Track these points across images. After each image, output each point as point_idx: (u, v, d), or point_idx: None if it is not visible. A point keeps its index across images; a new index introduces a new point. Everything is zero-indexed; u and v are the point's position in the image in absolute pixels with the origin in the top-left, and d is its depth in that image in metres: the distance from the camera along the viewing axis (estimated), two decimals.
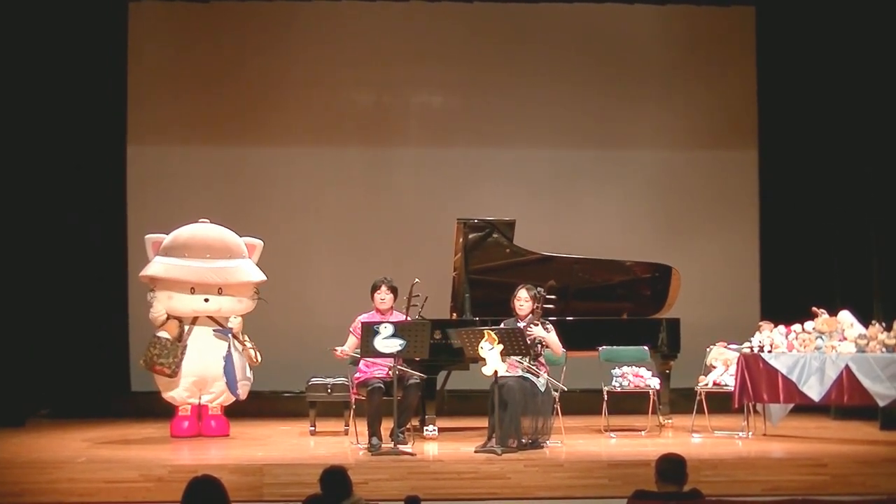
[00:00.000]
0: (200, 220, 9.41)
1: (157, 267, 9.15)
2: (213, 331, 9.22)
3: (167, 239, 9.25)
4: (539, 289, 8.53)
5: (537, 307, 8.48)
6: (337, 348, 8.64)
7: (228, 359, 9.19)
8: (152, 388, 9.40)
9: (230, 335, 9.25)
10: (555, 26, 12.07)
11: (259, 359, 9.39)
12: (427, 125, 12.23)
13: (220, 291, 9.19)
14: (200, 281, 9.12)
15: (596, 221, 12.01)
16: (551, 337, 8.49)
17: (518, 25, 12.07)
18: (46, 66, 11.04)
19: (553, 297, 8.64)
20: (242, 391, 9.30)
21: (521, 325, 8.46)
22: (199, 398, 9.23)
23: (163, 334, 9.14)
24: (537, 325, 8.44)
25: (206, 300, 9.15)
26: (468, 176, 12.03)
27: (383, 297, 8.73)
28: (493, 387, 8.13)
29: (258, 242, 9.50)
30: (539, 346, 8.42)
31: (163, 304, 9.17)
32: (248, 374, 9.36)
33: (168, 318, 9.20)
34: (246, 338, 9.40)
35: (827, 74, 11.28)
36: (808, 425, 9.64)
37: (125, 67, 11.61)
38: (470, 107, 12.20)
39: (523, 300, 8.53)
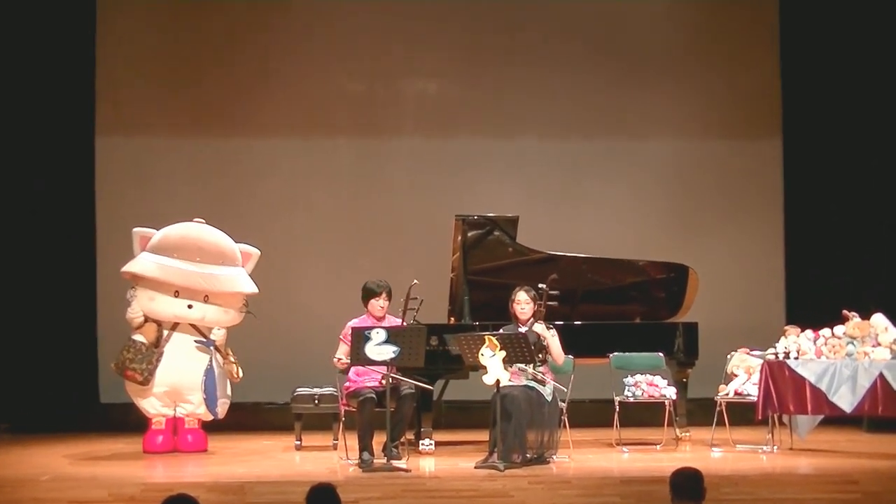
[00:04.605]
0: (195, 219, 9.35)
1: (142, 264, 9.09)
2: (195, 341, 9.18)
3: (157, 235, 9.19)
4: (541, 286, 8.47)
5: (541, 305, 8.43)
6: (341, 358, 8.57)
7: (209, 374, 9.15)
8: (124, 399, 9.35)
9: (213, 347, 9.20)
10: (559, 9, 12.06)
11: (240, 375, 9.37)
12: (423, 115, 12.20)
13: (206, 299, 9.13)
14: (187, 285, 9.06)
15: (606, 218, 12.00)
16: (553, 342, 8.42)
17: (520, 8, 12.05)
18: (4, 47, 10.99)
19: (556, 292, 8.58)
20: (221, 410, 9.26)
21: (523, 330, 8.40)
22: (175, 410, 9.16)
23: (138, 338, 9.10)
24: (541, 324, 8.38)
25: (190, 306, 9.10)
26: (467, 169, 12.01)
27: (383, 304, 8.71)
28: (494, 397, 8.08)
29: (254, 252, 9.43)
30: (544, 350, 8.37)
31: (142, 305, 9.12)
32: (228, 391, 9.32)
33: (146, 321, 9.16)
34: (229, 351, 9.37)
35: (857, 56, 11.26)
36: (838, 439, 9.61)
37: (93, 50, 11.57)
38: (469, 95, 12.18)
39: (523, 303, 8.48)
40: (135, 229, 9.26)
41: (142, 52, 11.81)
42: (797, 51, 11.90)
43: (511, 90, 12.07)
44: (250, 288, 9.29)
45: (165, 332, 9.17)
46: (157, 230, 9.24)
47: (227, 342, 9.42)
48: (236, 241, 9.43)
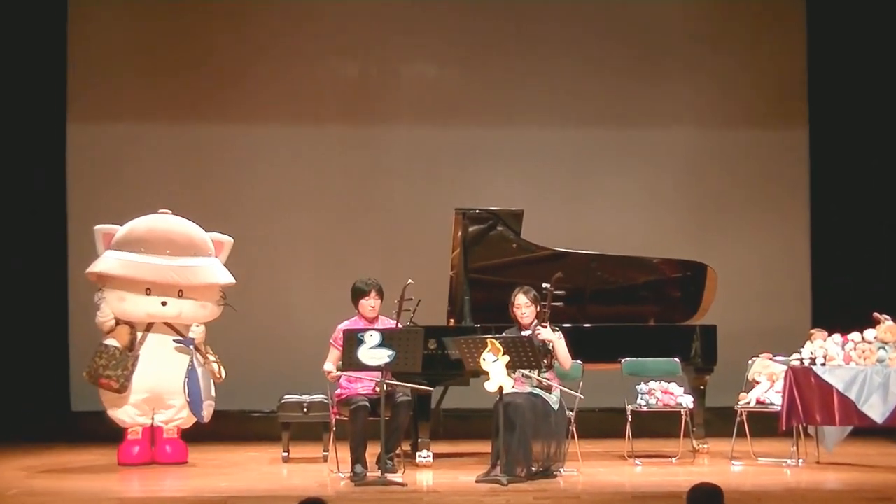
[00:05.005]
0: (160, 210, 9.35)
1: (108, 263, 9.05)
2: (174, 340, 9.16)
3: (121, 231, 9.17)
4: (545, 286, 8.43)
5: (545, 307, 8.39)
6: (332, 372, 8.52)
7: (192, 374, 9.11)
8: (97, 407, 9.30)
9: (192, 346, 9.18)
10: None
11: (223, 375, 9.34)
12: (421, 102, 12.19)
13: (180, 294, 9.12)
14: (158, 280, 9.04)
15: (617, 212, 12.01)
16: (560, 345, 8.39)
17: None
18: None
19: (562, 292, 8.54)
20: (207, 413, 9.23)
21: (526, 335, 8.36)
22: (152, 418, 9.13)
23: (111, 342, 9.06)
24: (546, 327, 8.35)
25: (164, 303, 9.08)
26: (468, 160, 12.01)
27: (373, 304, 8.65)
28: (497, 405, 8.05)
29: (227, 239, 9.44)
30: (550, 354, 8.34)
31: (112, 307, 9.08)
32: (213, 392, 9.30)
33: (118, 324, 9.12)
34: (209, 349, 9.35)
35: (890, 40, 11.21)
36: (869, 452, 9.58)
37: (65, 29, 11.55)
38: (471, 81, 12.18)
39: (523, 307, 8.44)
40: (96, 226, 9.22)
41: (117, 35, 11.80)
42: (825, 34, 11.87)
43: (516, 76, 12.07)
44: (226, 278, 9.27)
45: (139, 334, 9.13)
46: (120, 226, 9.21)
47: (210, 343, 9.37)
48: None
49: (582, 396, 8.51)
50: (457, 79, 12.25)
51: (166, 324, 9.18)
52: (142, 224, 9.21)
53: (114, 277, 9.05)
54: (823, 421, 8.81)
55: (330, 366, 8.52)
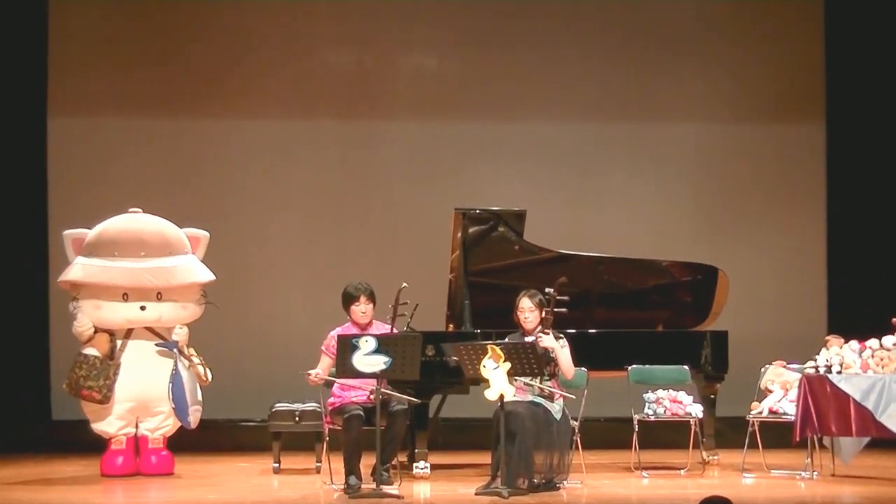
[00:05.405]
0: (131, 209, 9.31)
1: (79, 270, 9.03)
2: (156, 345, 9.14)
3: (91, 235, 9.13)
4: (548, 290, 8.44)
5: (548, 312, 8.40)
6: (310, 372, 8.54)
7: (176, 379, 9.09)
8: (79, 416, 9.29)
9: (176, 349, 9.17)
10: None
11: (209, 377, 9.31)
12: (420, 95, 12.20)
13: (159, 296, 9.10)
14: (135, 285, 9.02)
15: (625, 212, 12.02)
16: (563, 354, 8.38)
17: None
18: None
19: (566, 298, 8.55)
20: (194, 418, 9.20)
21: (530, 339, 8.37)
22: (137, 428, 9.14)
23: (90, 351, 9.05)
24: (548, 334, 8.35)
25: (143, 308, 9.06)
26: (469, 157, 12.02)
27: (364, 309, 8.63)
28: (497, 414, 8.06)
29: (203, 234, 9.41)
30: (553, 362, 8.34)
31: (89, 316, 9.06)
32: (199, 396, 9.28)
33: (96, 332, 9.10)
34: (192, 352, 9.31)
35: None
36: (887, 464, 9.56)
37: (45, 21, 11.55)
38: (471, 72, 12.18)
39: (527, 311, 8.44)
40: (65, 232, 9.19)
41: (101, 25, 11.78)
42: (843, 26, 11.85)
43: (519, 68, 12.08)
44: (206, 276, 9.25)
45: (119, 342, 9.11)
46: (90, 230, 9.16)
47: (194, 347, 9.34)
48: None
49: (573, 396, 8.49)
50: (457, 71, 12.23)
51: (147, 328, 9.16)
52: (112, 226, 9.18)
53: (87, 285, 9.03)
54: (839, 432, 8.80)
55: (313, 371, 8.52)
